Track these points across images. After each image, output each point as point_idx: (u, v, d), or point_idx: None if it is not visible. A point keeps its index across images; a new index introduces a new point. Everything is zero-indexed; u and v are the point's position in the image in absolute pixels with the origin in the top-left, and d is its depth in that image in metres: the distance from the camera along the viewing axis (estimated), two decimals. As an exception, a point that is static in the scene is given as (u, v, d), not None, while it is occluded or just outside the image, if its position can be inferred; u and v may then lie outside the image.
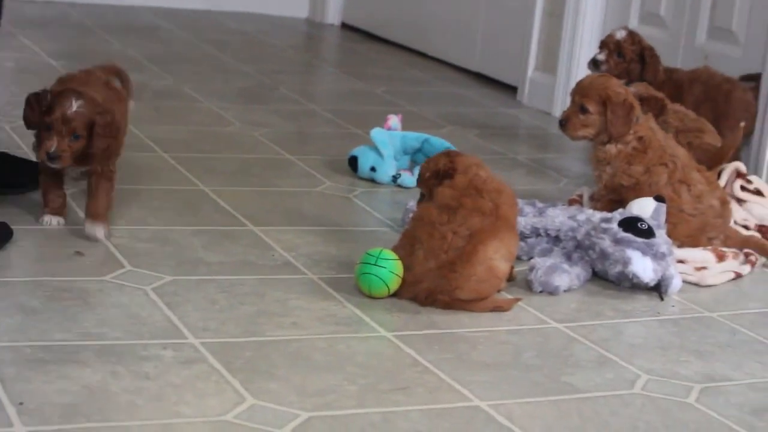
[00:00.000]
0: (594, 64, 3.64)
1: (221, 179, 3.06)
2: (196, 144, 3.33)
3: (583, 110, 2.86)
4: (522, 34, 4.44)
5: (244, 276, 2.42)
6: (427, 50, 5.15)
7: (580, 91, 2.87)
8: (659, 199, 2.68)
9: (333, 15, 5.78)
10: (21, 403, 1.78)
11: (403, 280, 2.35)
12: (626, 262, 2.52)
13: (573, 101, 2.89)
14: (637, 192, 2.79)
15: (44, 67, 4.05)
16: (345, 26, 5.73)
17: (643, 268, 2.52)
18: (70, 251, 2.45)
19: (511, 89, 4.54)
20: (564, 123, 2.88)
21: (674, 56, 3.92)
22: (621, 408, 2.01)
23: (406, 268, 2.36)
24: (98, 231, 2.52)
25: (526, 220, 2.70)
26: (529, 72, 4.41)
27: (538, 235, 2.69)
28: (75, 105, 2.47)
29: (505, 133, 3.97)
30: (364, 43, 5.44)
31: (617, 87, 2.87)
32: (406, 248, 2.38)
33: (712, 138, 3.23)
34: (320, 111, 3.99)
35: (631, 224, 2.57)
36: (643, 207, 2.66)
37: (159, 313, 2.19)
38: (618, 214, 2.61)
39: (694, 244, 2.78)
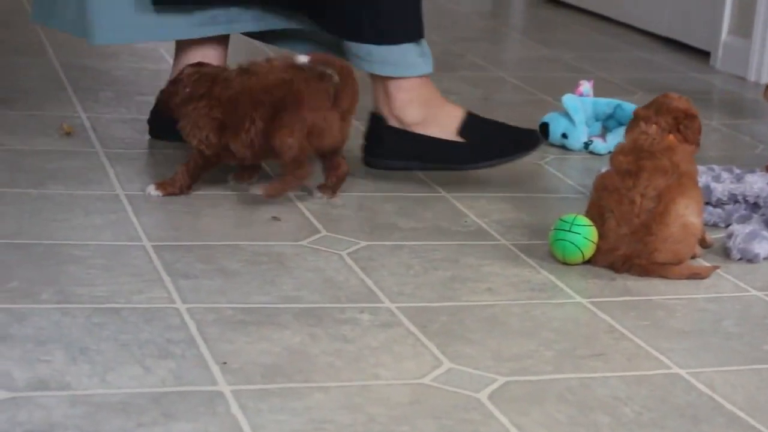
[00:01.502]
0: None
1: (412, 146, 3.07)
2: (386, 111, 3.34)
3: None
4: (715, -3, 4.33)
5: (438, 242, 2.43)
6: (614, 15, 5.07)
7: None
8: None
9: (518, -18, 5.74)
10: (224, 363, 1.83)
11: (598, 248, 2.33)
12: (829, 230, 2.45)
13: None
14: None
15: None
16: (531, -7, 5.69)
17: None
18: (267, 216, 2.49)
19: (703, 54, 4.44)
20: None
21: None
22: (826, 378, 1.95)
23: (600, 236, 2.33)
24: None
25: (723, 186, 2.64)
26: (723, 36, 4.30)
27: (736, 201, 2.62)
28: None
29: (698, 98, 3.86)
30: (550, 9, 5.39)
31: None
32: (595, 219, 2.35)
33: None
34: (508, 78, 3.97)
35: (835, 190, 2.49)
36: None
37: (355, 278, 2.21)
38: (820, 180, 2.54)
39: None
